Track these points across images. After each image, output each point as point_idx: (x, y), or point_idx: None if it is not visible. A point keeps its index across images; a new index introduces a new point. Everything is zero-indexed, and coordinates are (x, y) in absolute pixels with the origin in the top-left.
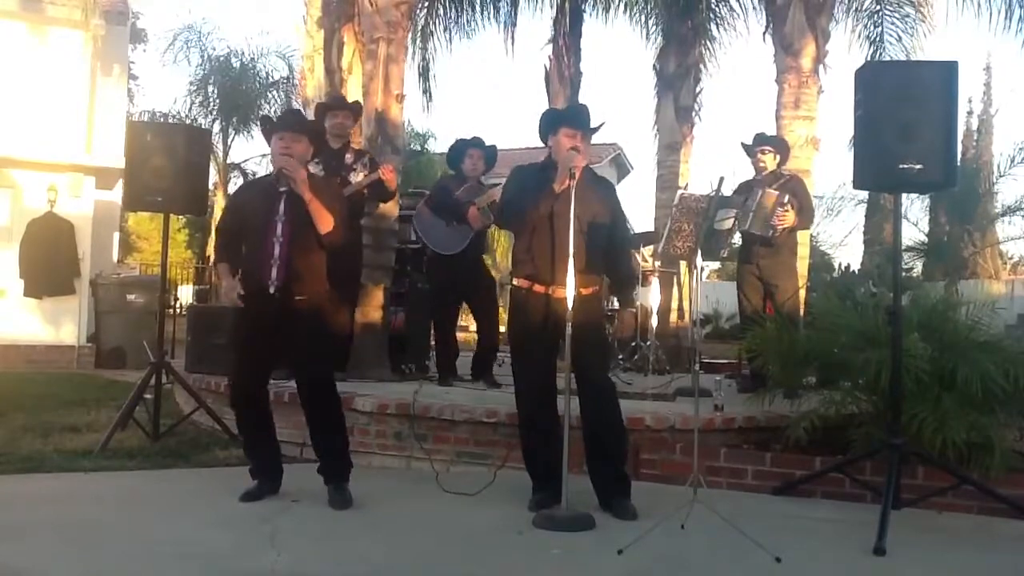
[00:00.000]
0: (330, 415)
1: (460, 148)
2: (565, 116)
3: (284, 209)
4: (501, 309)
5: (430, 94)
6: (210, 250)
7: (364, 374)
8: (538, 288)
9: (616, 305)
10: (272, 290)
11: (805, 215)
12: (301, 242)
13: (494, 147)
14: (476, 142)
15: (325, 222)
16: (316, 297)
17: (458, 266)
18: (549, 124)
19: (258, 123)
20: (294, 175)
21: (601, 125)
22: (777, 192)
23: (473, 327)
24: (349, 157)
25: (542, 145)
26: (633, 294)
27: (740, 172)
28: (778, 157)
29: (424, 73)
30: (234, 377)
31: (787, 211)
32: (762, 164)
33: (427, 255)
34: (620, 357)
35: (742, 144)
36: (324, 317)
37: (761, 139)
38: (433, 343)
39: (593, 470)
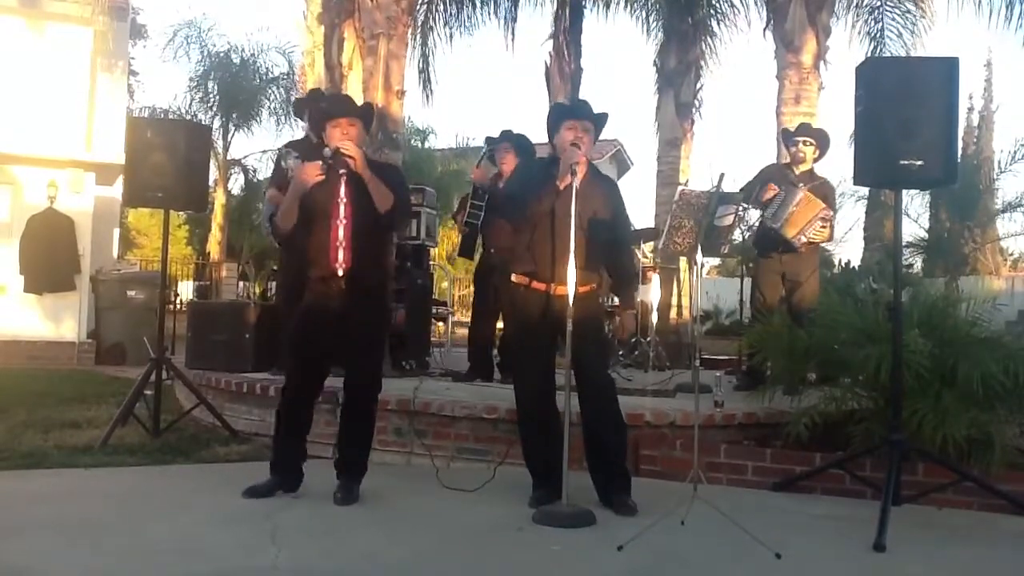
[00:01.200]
0: (368, 414)
1: (493, 147)
2: (567, 109)
3: (345, 191)
4: None
5: (430, 90)
6: (210, 246)
7: None
8: (537, 285)
9: (616, 302)
10: (340, 273)
11: (832, 231)
12: (364, 224)
13: (524, 137)
14: (505, 136)
15: (385, 200)
16: (382, 286)
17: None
18: (552, 121)
19: (295, 109)
20: (353, 155)
21: (603, 116)
22: (824, 205)
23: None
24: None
25: (543, 142)
26: (634, 293)
27: (740, 169)
28: (818, 151)
29: (424, 69)
30: (292, 367)
31: (825, 228)
32: (802, 155)
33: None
34: (620, 353)
35: (783, 131)
36: (387, 311)
37: (804, 129)
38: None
39: (593, 467)
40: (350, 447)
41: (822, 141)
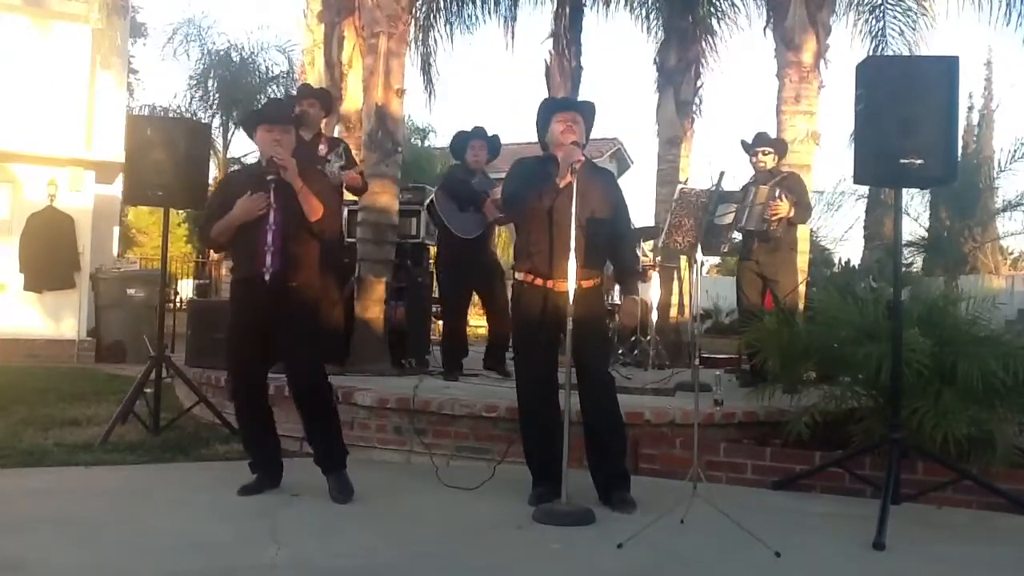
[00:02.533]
0: (321, 405)
1: (463, 140)
2: (556, 104)
3: (275, 197)
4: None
5: (432, 88)
6: None
7: (364, 368)
8: (538, 282)
9: (617, 300)
10: (267, 277)
11: (802, 209)
12: (293, 230)
13: (496, 137)
14: (478, 132)
15: (315, 210)
16: (309, 286)
17: (469, 254)
18: (542, 118)
19: (239, 119)
20: (285, 163)
21: (590, 104)
22: (768, 186)
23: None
24: (323, 147)
25: (532, 141)
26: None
27: (740, 168)
28: (777, 157)
29: (426, 68)
30: (232, 369)
31: (779, 201)
32: (761, 164)
33: (439, 245)
34: (620, 352)
35: (742, 142)
36: (316, 306)
37: (762, 139)
38: (440, 335)
39: (592, 465)
40: (320, 442)
41: (779, 147)
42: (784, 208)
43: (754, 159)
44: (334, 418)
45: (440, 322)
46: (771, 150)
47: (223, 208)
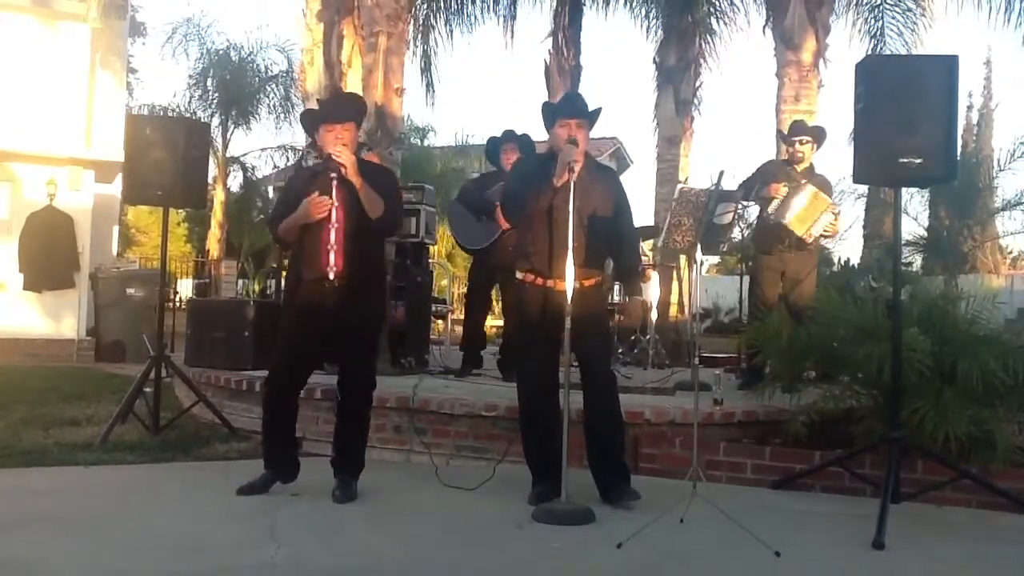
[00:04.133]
0: (362, 413)
1: (495, 145)
2: (559, 108)
3: (337, 196)
4: None
5: (433, 88)
6: (210, 244)
7: None
8: (538, 281)
9: (617, 299)
10: (332, 276)
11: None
12: (356, 228)
13: (527, 136)
14: (508, 136)
15: (376, 207)
16: (374, 283)
17: (491, 258)
18: (547, 118)
19: (298, 115)
20: (346, 162)
21: (599, 110)
22: (831, 201)
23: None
24: None
25: (543, 138)
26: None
27: (740, 167)
28: (816, 147)
29: (426, 67)
30: (279, 366)
31: (836, 222)
32: (800, 155)
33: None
34: (620, 351)
35: (779, 131)
36: (381, 306)
37: (800, 128)
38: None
39: (593, 464)
40: (347, 445)
41: (819, 136)
42: (836, 229)
43: (792, 149)
44: (367, 428)
45: (439, 321)
46: (809, 139)
47: (288, 207)
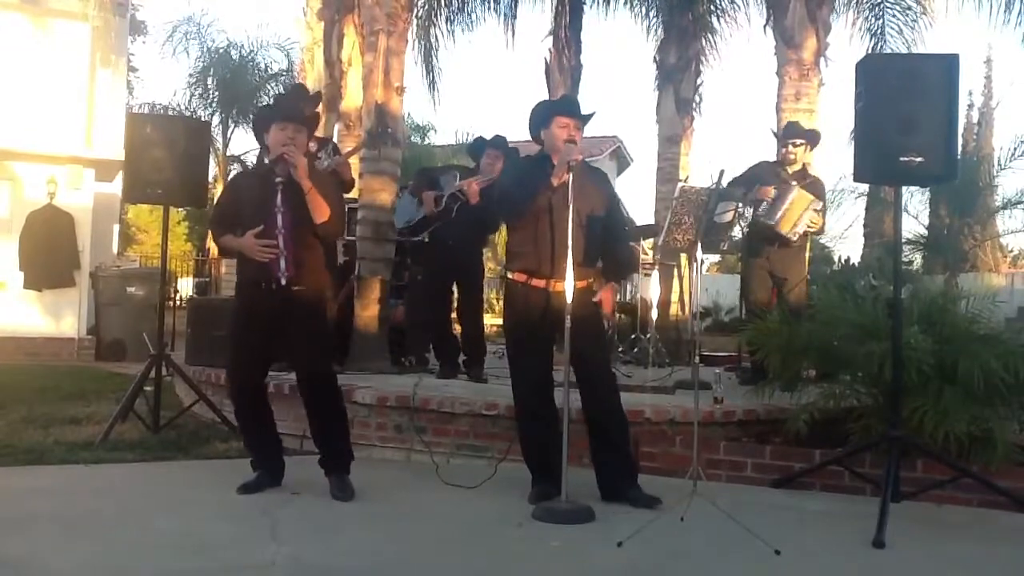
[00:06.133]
0: (331, 406)
1: (480, 145)
2: (558, 106)
3: (283, 200)
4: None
5: (436, 87)
6: (210, 243)
7: (364, 366)
8: (537, 282)
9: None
10: (283, 281)
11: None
12: (302, 233)
13: (515, 150)
14: (496, 142)
15: (321, 212)
16: (318, 289)
17: (451, 253)
18: (542, 116)
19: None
20: (296, 163)
21: (593, 114)
22: (812, 197)
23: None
24: (313, 145)
25: (526, 139)
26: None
27: (740, 166)
28: (809, 149)
29: (428, 66)
30: (233, 368)
31: (818, 217)
32: (792, 156)
33: (426, 243)
34: (620, 350)
35: (773, 131)
36: (323, 308)
37: (794, 130)
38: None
39: (599, 460)
40: (330, 442)
41: (812, 139)
42: (819, 224)
43: (784, 150)
44: (343, 420)
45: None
46: (803, 141)
47: (232, 207)
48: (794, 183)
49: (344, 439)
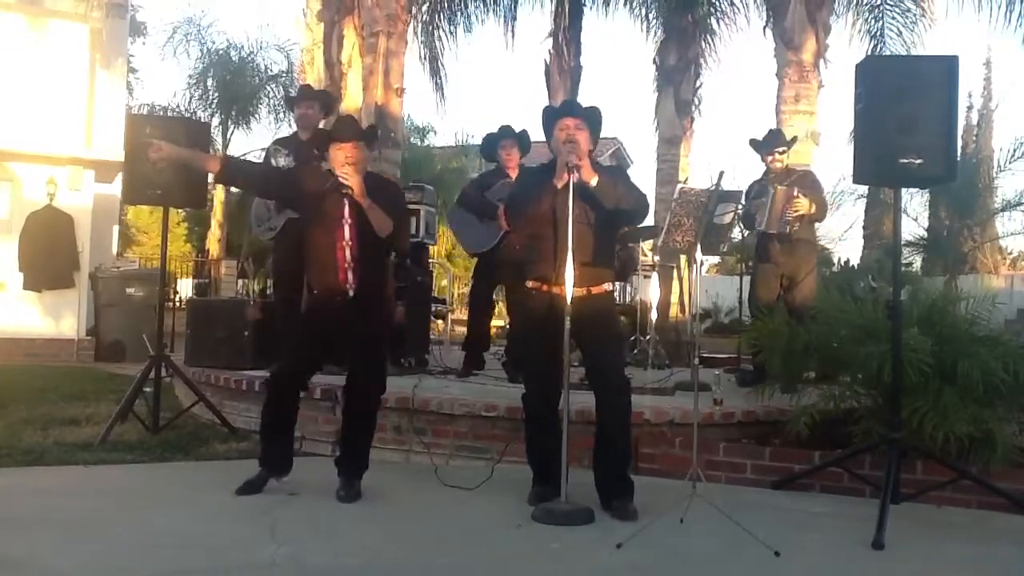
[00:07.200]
0: (371, 416)
1: (492, 143)
2: (556, 111)
3: (349, 212)
4: None
5: (443, 92)
6: (210, 244)
7: None
8: (543, 288)
9: (628, 300)
10: (350, 293)
11: (820, 207)
12: (369, 245)
13: (524, 132)
14: (505, 132)
15: (384, 225)
16: (382, 300)
17: (496, 259)
18: (546, 125)
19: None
20: (351, 185)
21: (593, 108)
22: (785, 187)
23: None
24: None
25: (541, 139)
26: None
27: (740, 167)
28: (787, 154)
29: (436, 72)
30: (286, 369)
31: (799, 199)
32: (777, 163)
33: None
34: None
35: (751, 141)
36: (387, 320)
37: (777, 139)
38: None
39: (598, 468)
40: (354, 446)
41: (792, 144)
42: (804, 205)
43: (769, 159)
44: (373, 430)
45: (439, 321)
46: (786, 149)
47: (290, 193)
48: (778, 186)
49: (368, 447)
